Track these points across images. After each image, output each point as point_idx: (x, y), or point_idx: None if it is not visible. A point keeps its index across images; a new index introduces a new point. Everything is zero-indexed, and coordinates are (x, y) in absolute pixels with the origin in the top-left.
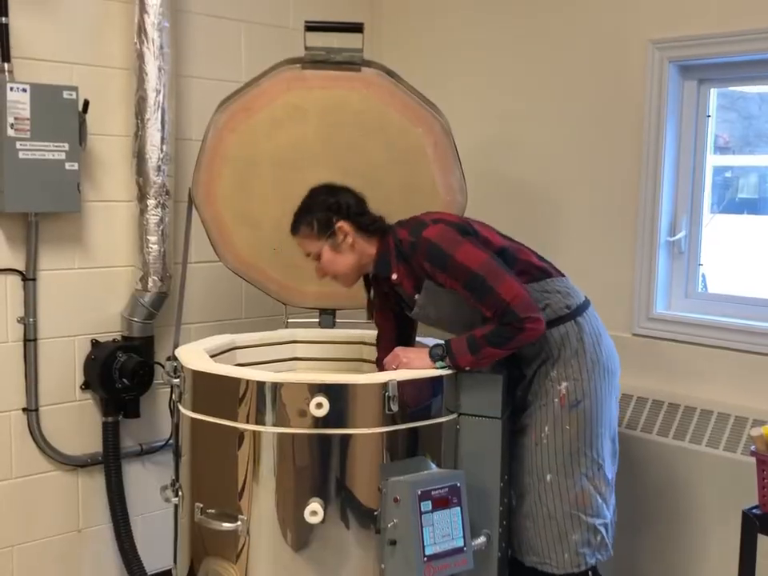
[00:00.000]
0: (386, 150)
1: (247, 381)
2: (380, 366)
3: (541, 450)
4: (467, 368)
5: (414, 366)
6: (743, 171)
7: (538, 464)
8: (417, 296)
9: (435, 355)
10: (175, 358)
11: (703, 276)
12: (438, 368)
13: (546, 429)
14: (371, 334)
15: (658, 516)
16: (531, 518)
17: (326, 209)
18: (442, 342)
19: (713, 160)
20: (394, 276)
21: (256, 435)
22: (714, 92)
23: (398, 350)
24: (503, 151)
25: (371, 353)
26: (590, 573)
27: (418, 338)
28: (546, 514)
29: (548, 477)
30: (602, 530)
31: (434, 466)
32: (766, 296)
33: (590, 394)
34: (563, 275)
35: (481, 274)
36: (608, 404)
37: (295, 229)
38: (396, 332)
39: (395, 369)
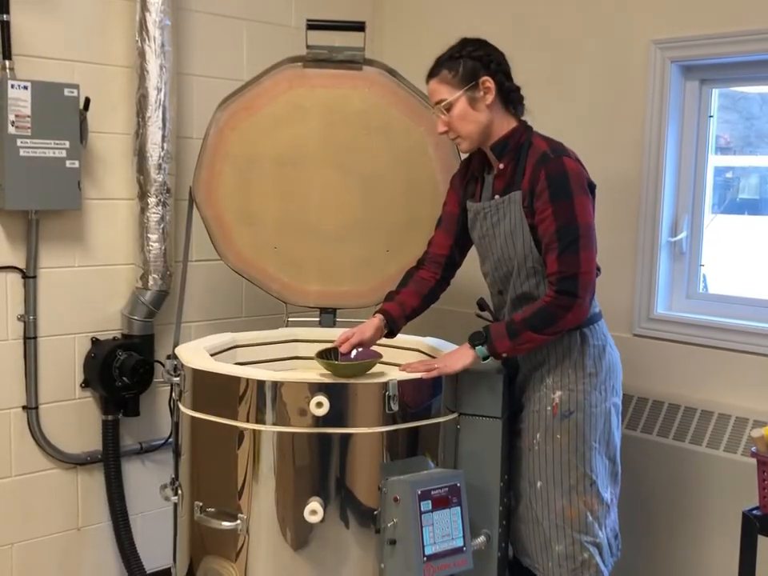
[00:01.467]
0: (388, 149)
1: (247, 380)
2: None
3: (533, 456)
4: (504, 355)
5: (456, 368)
6: (744, 172)
7: (530, 469)
8: (497, 197)
9: (474, 340)
10: (175, 357)
11: (704, 276)
12: (477, 354)
13: (538, 436)
14: None
15: (658, 517)
16: (524, 521)
17: (477, 59)
18: (481, 328)
19: (714, 160)
20: (501, 165)
21: (256, 434)
22: (715, 92)
23: (433, 361)
24: None
25: None
26: None
27: (419, 339)
28: (535, 519)
29: (538, 484)
30: (591, 548)
31: (433, 465)
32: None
33: (584, 407)
34: None
35: (580, 230)
36: (603, 420)
37: (435, 72)
38: (433, 281)
39: (429, 374)
